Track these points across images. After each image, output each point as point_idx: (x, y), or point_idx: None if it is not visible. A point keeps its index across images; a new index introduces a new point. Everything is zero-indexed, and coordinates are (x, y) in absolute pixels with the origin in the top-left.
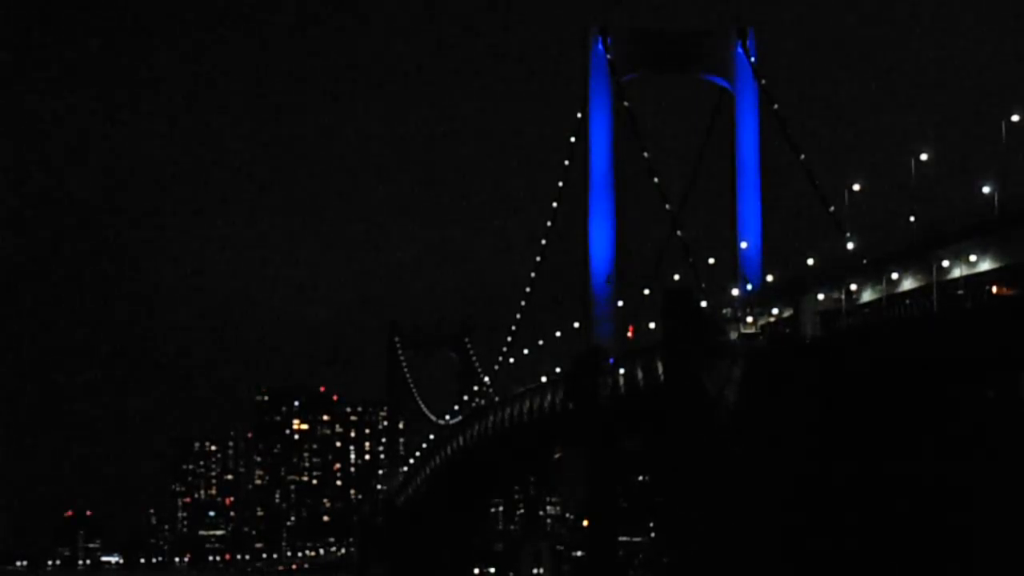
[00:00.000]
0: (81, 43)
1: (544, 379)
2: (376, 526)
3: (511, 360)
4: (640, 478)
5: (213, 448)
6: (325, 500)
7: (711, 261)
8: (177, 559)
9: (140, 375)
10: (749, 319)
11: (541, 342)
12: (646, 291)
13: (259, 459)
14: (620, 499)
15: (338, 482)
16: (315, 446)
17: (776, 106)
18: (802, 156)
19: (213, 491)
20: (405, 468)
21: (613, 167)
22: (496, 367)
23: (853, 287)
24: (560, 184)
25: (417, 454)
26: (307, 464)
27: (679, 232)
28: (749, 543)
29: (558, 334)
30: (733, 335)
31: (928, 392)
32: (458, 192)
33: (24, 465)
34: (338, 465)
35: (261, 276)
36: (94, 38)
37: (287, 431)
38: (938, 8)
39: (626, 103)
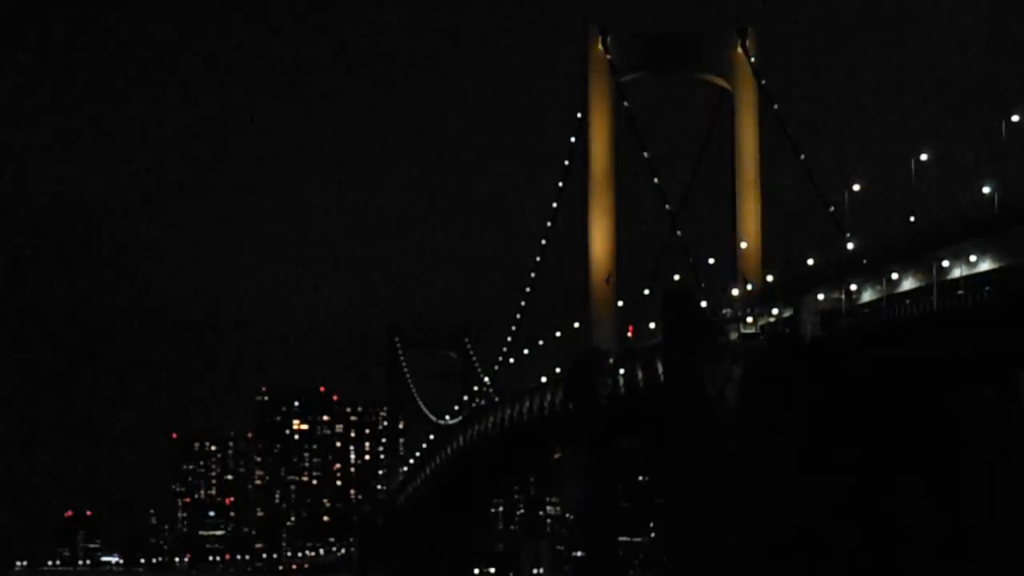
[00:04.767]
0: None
1: (544, 379)
2: (376, 526)
3: (511, 360)
4: (640, 478)
5: (213, 448)
6: (325, 500)
7: (711, 261)
8: (177, 559)
9: (140, 375)
10: (749, 319)
11: (541, 342)
12: (646, 291)
13: (259, 459)
14: (620, 499)
15: (338, 482)
16: (315, 446)
17: (776, 106)
18: (802, 156)
19: (213, 491)
20: (405, 468)
21: (613, 167)
22: (496, 367)
23: (853, 287)
24: (560, 184)
25: (417, 454)
26: (307, 464)
27: (679, 232)
28: (749, 543)
29: (558, 334)
30: (733, 335)
31: (928, 392)
32: (458, 192)
33: (24, 465)
34: (338, 465)
35: (261, 276)
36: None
37: (287, 431)
38: (938, 8)
39: (626, 103)
